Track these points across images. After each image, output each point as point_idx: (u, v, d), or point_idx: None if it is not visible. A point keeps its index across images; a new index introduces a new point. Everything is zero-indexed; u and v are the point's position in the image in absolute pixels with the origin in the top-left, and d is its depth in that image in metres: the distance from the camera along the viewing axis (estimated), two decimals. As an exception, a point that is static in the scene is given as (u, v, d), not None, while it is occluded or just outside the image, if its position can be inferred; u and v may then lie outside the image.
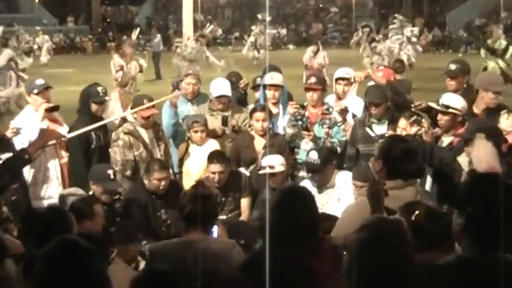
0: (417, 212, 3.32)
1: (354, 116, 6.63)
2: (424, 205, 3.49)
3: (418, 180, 4.32)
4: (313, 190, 5.80)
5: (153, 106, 6.40)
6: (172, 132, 7.09)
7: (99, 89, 6.35)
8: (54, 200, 5.89)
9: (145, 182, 5.89)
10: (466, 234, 2.66)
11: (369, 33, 19.66)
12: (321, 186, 5.90)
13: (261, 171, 6.17)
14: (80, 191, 5.45)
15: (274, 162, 6.09)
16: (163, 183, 5.85)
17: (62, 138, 5.86)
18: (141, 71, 12.99)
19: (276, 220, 3.12)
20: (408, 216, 3.29)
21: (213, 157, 6.11)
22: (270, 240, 3.07)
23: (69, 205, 4.90)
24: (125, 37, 13.56)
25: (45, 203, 5.93)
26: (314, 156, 5.87)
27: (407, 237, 2.73)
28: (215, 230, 3.99)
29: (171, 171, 6.34)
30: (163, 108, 7.11)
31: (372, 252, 2.62)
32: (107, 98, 6.37)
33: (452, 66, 6.58)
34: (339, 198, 5.82)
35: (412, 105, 6.15)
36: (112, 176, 5.67)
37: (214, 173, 6.05)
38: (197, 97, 7.39)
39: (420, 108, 6.04)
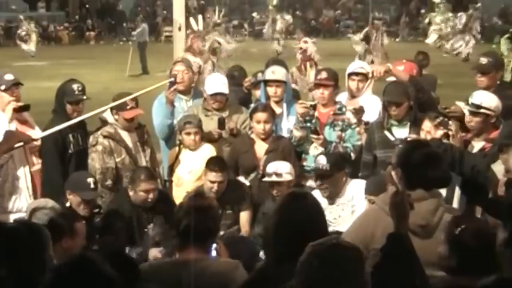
0: (464, 226, 3.34)
1: (366, 123, 6.59)
2: (477, 222, 3.49)
3: (443, 193, 4.31)
4: (324, 202, 5.80)
5: (136, 105, 6.37)
6: (167, 134, 7.05)
7: (75, 86, 6.33)
8: (24, 214, 5.88)
9: (131, 193, 5.89)
10: (509, 251, 2.66)
11: (380, 26, 19.48)
12: (332, 197, 5.89)
13: (266, 179, 6.15)
14: (50, 203, 5.42)
15: (282, 170, 6.08)
16: (151, 195, 5.85)
17: (32, 142, 5.86)
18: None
19: (279, 229, 3.12)
20: (453, 228, 3.33)
21: (214, 163, 6.11)
22: (274, 253, 3.07)
23: (48, 220, 4.89)
24: (189, 30, 12.80)
25: (14, 217, 5.92)
26: (323, 161, 5.87)
27: (361, 267, 2.81)
28: (214, 248, 3.99)
29: (158, 180, 6.33)
30: (155, 106, 7.07)
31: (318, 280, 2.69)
32: (84, 97, 6.35)
33: (483, 60, 6.54)
34: (353, 210, 5.81)
35: (443, 109, 6.08)
36: (92, 186, 5.68)
37: (213, 182, 6.05)
38: (192, 92, 7.33)
39: (453, 115, 5.94)
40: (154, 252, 5.55)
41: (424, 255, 3.51)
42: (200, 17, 13.06)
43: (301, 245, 3.03)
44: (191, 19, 12.43)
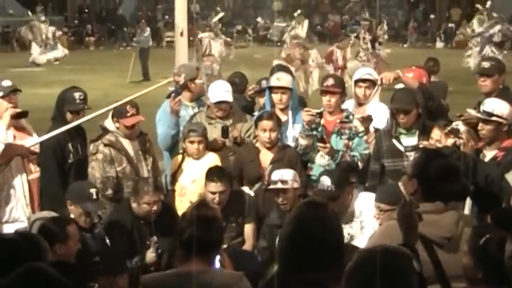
0: (488, 236, 3.34)
1: (376, 130, 6.59)
2: (500, 231, 3.50)
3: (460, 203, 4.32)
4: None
5: (137, 112, 6.37)
6: (170, 145, 7.03)
7: (76, 94, 6.32)
8: (21, 224, 5.88)
9: (133, 205, 5.89)
10: None
11: (369, 29, 19.35)
12: (341, 214, 5.82)
13: (271, 186, 6.13)
14: (53, 215, 5.44)
15: (287, 177, 6.04)
16: (154, 207, 5.84)
17: (30, 155, 5.88)
18: None
19: (294, 238, 3.12)
20: (477, 239, 3.33)
21: (212, 174, 6.10)
22: (287, 263, 3.07)
23: (39, 227, 4.89)
24: (288, 41, 11.80)
25: (10, 227, 5.92)
26: (327, 182, 5.74)
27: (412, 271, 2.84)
28: (218, 260, 3.98)
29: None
30: (159, 115, 7.07)
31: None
32: (85, 106, 6.34)
33: (486, 64, 6.64)
34: (362, 226, 5.78)
35: (458, 117, 6.06)
36: (95, 196, 5.67)
37: (213, 193, 6.04)
38: (197, 99, 7.35)
39: (468, 122, 5.94)
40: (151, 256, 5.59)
41: (452, 269, 3.51)
42: (306, 22, 12.26)
43: (316, 256, 3.03)
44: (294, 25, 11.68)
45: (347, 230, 5.74)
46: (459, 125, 5.65)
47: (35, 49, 26.95)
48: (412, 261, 2.91)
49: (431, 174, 3.83)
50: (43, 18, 27.51)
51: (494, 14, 21.63)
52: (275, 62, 10.50)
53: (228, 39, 15.21)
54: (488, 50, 20.19)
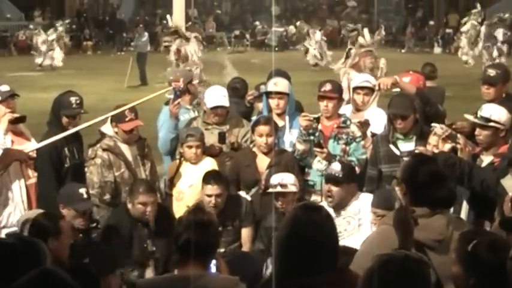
0: (476, 241, 3.35)
1: (373, 135, 6.62)
2: (488, 235, 3.51)
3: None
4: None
5: (135, 117, 6.39)
6: (169, 149, 7.06)
7: (73, 99, 6.33)
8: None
9: (129, 206, 5.91)
10: None
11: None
12: (339, 208, 5.87)
13: (270, 190, 6.15)
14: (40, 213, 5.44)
15: (287, 181, 6.09)
16: (149, 208, 5.86)
17: (29, 160, 5.89)
18: None
19: (290, 241, 3.14)
20: (465, 245, 3.35)
21: (209, 177, 6.13)
22: (282, 266, 3.09)
23: (31, 223, 4.89)
24: (352, 47, 10.92)
25: (8, 232, 5.92)
26: (336, 167, 5.92)
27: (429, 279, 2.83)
28: (214, 265, 4.00)
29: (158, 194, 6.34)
30: (160, 119, 7.08)
31: None
32: (81, 110, 6.36)
33: (491, 72, 6.63)
34: (360, 224, 5.82)
35: (449, 125, 6.09)
36: (85, 196, 5.68)
37: (210, 195, 6.06)
38: (195, 103, 7.39)
39: (461, 131, 5.97)
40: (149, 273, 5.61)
41: (444, 271, 3.52)
42: (366, 30, 11.57)
43: (311, 259, 3.05)
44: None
45: (344, 225, 5.83)
46: (436, 127, 5.67)
47: (49, 52, 26.85)
48: (430, 269, 2.94)
49: (419, 179, 3.86)
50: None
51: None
52: (342, 71, 9.84)
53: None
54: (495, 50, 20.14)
